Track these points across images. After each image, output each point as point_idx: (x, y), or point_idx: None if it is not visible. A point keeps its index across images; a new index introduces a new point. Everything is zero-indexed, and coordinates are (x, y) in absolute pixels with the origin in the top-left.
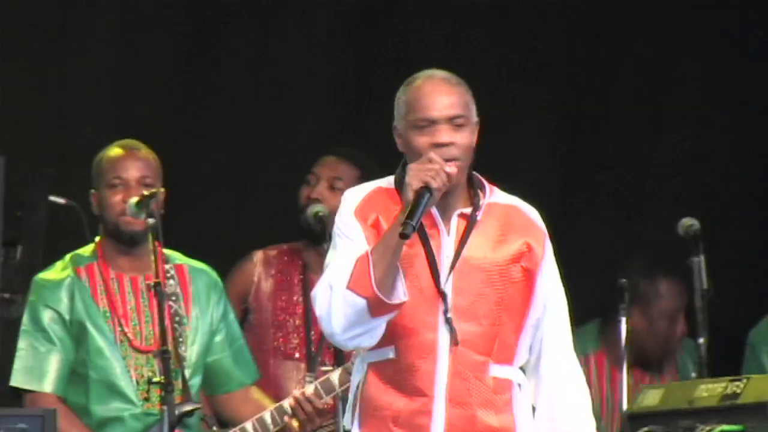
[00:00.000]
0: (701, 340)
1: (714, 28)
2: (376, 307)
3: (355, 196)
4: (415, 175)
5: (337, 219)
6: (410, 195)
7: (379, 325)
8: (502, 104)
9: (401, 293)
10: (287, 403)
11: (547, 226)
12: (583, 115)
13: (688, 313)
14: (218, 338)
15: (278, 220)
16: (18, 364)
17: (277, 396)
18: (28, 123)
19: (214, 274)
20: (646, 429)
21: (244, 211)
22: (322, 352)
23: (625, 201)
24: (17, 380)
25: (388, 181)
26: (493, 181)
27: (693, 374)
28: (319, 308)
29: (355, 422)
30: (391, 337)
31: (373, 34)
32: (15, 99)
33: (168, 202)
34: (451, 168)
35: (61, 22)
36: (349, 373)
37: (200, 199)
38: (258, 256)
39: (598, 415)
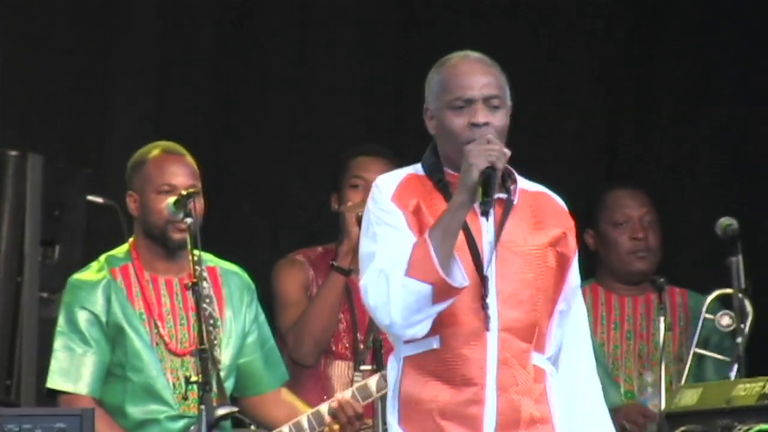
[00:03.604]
0: (739, 340)
1: (753, 34)
2: (441, 292)
3: (389, 183)
4: (479, 155)
5: (373, 207)
6: (474, 174)
7: (437, 312)
8: (541, 106)
9: (461, 277)
10: (324, 408)
11: (586, 229)
12: (623, 118)
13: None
14: (250, 340)
15: (315, 223)
16: (54, 366)
17: (327, 396)
18: (67, 122)
19: (246, 276)
20: (683, 428)
21: (281, 213)
22: (367, 352)
23: (663, 201)
24: (54, 382)
25: (415, 168)
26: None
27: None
28: (374, 298)
29: (395, 420)
30: (435, 326)
31: (413, 33)
32: (54, 98)
33: (206, 204)
34: (507, 150)
35: (102, 21)
36: (386, 379)
37: (237, 201)
38: (301, 256)
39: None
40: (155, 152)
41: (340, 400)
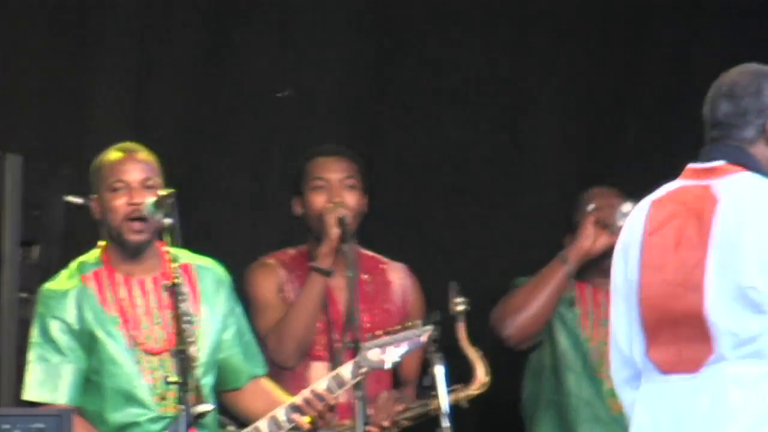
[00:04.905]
0: None
1: (733, 27)
2: None
3: None
4: None
5: None
6: None
7: None
8: (518, 104)
9: None
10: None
11: (562, 223)
12: (599, 116)
13: None
14: (228, 335)
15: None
16: (30, 378)
17: None
18: (46, 122)
19: (220, 269)
20: None
21: (256, 214)
22: (344, 352)
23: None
24: (31, 394)
25: None
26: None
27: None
28: None
29: None
30: None
31: (390, 36)
32: (33, 98)
33: (181, 202)
34: None
35: (81, 20)
36: (360, 366)
37: (214, 201)
38: (273, 259)
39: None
40: (109, 153)
41: (307, 394)
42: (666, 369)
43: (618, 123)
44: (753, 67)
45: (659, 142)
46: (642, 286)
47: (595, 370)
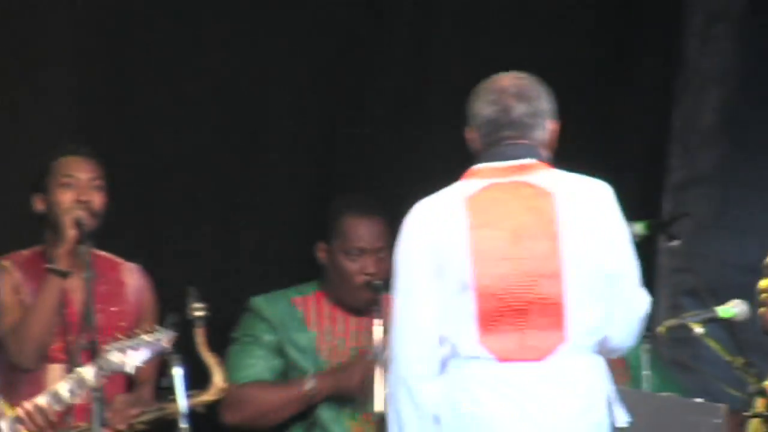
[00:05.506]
0: None
1: (467, 37)
2: None
3: None
4: None
5: None
6: None
7: None
8: (256, 108)
9: None
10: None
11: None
12: (338, 120)
13: None
14: None
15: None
16: None
17: None
18: None
19: None
20: None
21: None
22: (80, 353)
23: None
24: None
25: None
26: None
27: None
28: None
29: None
30: None
31: (127, 36)
32: None
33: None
34: None
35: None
36: (102, 368)
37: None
38: (8, 261)
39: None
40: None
41: (28, 407)
42: (504, 357)
43: (355, 127)
44: (520, 73)
45: (398, 144)
46: (477, 277)
47: None
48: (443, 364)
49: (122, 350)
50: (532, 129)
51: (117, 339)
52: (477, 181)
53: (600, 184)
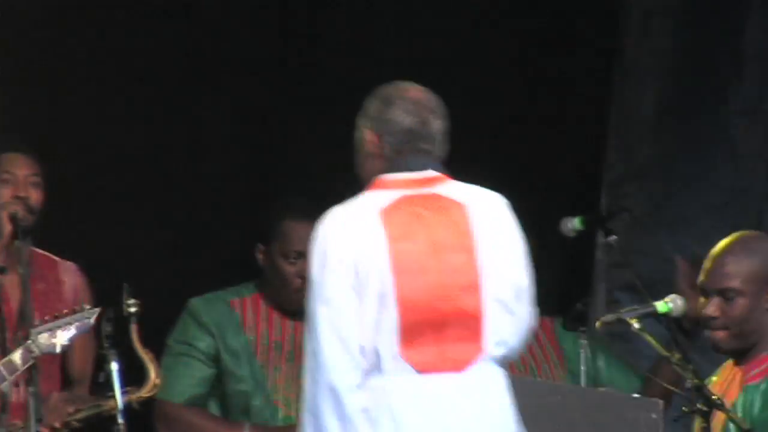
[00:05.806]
0: None
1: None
2: None
3: None
4: None
5: None
6: None
7: None
8: (190, 105)
9: None
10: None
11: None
12: (269, 116)
13: None
14: None
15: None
16: None
17: None
18: None
19: None
20: None
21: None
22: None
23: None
24: None
25: None
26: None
27: None
28: None
29: None
30: None
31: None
32: None
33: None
34: None
35: None
36: (31, 351)
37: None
38: None
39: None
40: None
41: None
42: (424, 369)
43: (282, 124)
44: (422, 87)
45: (322, 144)
46: (398, 290)
47: (269, 398)
48: (365, 377)
49: (51, 331)
50: (441, 145)
51: (45, 321)
52: (388, 193)
53: (498, 195)
